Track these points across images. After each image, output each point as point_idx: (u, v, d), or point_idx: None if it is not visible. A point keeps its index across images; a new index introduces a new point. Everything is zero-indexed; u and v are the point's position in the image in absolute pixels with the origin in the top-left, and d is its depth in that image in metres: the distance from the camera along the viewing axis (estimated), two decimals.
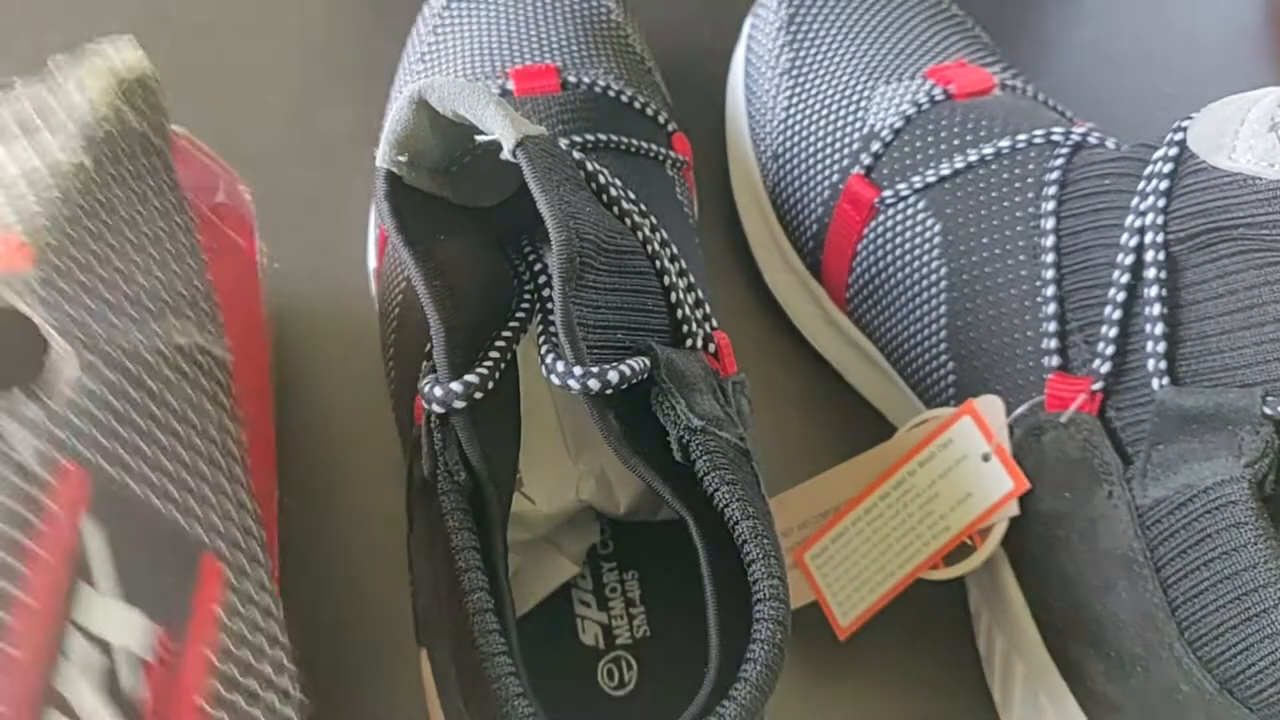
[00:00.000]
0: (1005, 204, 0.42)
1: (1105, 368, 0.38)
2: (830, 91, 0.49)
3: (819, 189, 0.48)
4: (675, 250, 0.37)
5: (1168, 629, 0.35)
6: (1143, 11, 0.64)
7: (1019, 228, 0.42)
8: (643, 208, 0.37)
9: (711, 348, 0.38)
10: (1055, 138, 0.42)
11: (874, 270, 0.46)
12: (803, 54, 0.51)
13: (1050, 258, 0.40)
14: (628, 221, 0.36)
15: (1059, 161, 0.41)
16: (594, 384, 0.32)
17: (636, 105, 0.48)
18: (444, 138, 0.33)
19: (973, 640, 0.46)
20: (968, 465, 0.41)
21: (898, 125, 0.46)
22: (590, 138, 0.45)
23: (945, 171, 0.44)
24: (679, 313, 0.36)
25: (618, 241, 0.34)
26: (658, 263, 0.36)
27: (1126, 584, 0.36)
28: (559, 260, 0.31)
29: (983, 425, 0.41)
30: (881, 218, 0.46)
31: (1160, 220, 0.36)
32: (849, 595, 0.42)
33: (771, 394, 0.52)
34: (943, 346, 0.44)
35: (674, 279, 0.36)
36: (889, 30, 0.51)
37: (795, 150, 0.49)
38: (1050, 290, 0.40)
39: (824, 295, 0.50)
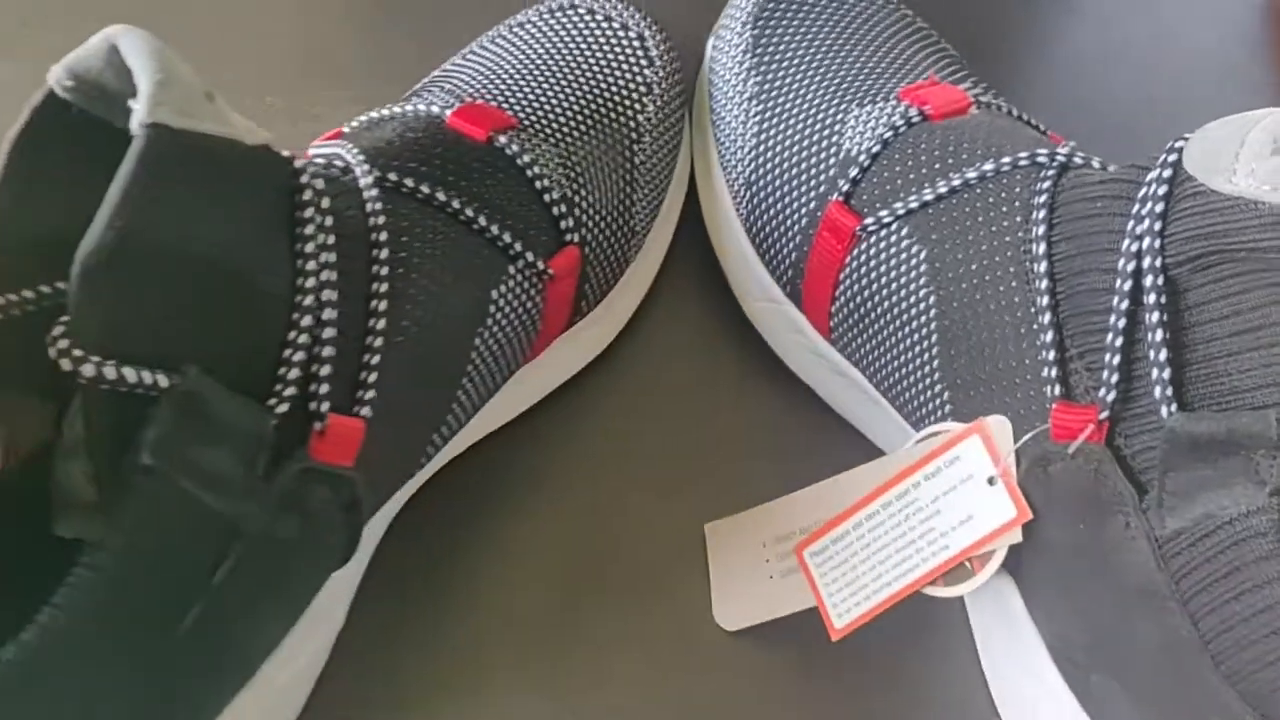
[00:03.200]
0: (993, 229, 0.42)
1: (1110, 396, 0.37)
2: (801, 116, 0.48)
3: (796, 216, 0.47)
4: (335, 316, 0.35)
5: (1201, 663, 0.34)
6: (1136, 12, 0.64)
7: (1009, 253, 0.41)
8: (331, 260, 0.35)
9: (318, 425, 0.36)
10: (1040, 159, 0.41)
11: (859, 299, 0.45)
12: (770, 78, 0.50)
13: (1044, 284, 0.39)
14: (310, 264, 0.34)
15: (1046, 184, 0.41)
16: (87, 369, 0.29)
17: (546, 198, 0.46)
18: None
19: (972, 643, 0.46)
20: (972, 486, 0.40)
21: (875, 149, 0.45)
22: (425, 187, 0.42)
23: (928, 197, 0.43)
24: (285, 371, 0.34)
25: (234, 263, 0.32)
26: (295, 314, 0.34)
27: (1152, 618, 0.36)
28: (86, 244, 0.28)
29: (991, 447, 0.40)
30: (864, 245, 0.45)
31: (1158, 244, 0.35)
32: (845, 599, 0.42)
33: (751, 423, 0.51)
34: (936, 376, 0.43)
35: (303, 337, 0.34)
36: (857, 49, 0.50)
37: (769, 178, 0.48)
38: (1046, 317, 0.39)
39: (805, 324, 0.49)
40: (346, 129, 0.47)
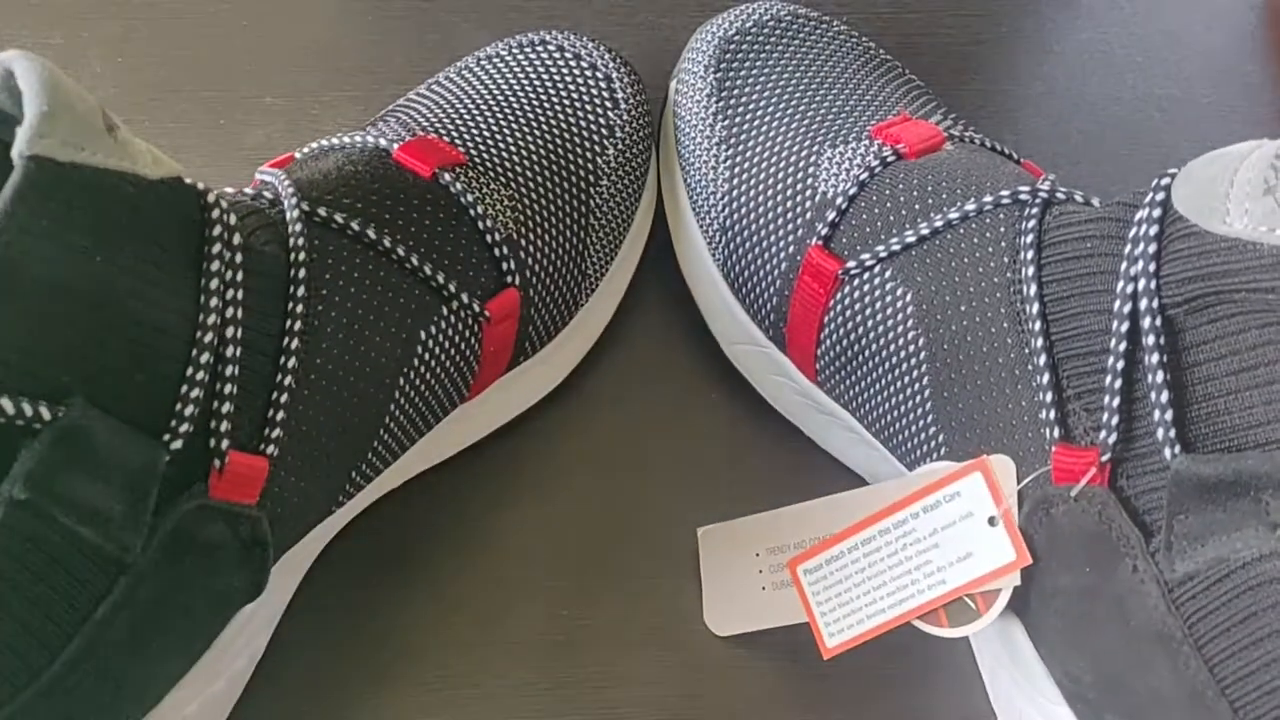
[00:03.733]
0: (980, 269, 0.41)
1: (1112, 438, 0.36)
2: (773, 159, 0.48)
3: (775, 261, 0.47)
4: (239, 352, 0.35)
5: (1219, 707, 0.34)
6: (1140, 12, 0.64)
7: (998, 294, 0.40)
8: (238, 296, 0.35)
9: (217, 463, 0.35)
10: (1022, 196, 0.41)
11: (845, 343, 0.45)
12: (738, 120, 0.49)
13: (1037, 325, 0.39)
14: (214, 299, 0.34)
15: (1031, 224, 0.40)
16: None
17: (488, 239, 0.45)
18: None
19: (970, 658, 0.47)
20: (972, 524, 0.40)
21: (852, 191, 0.44)
22: (356, 223, 0.41)
23: (910, 239, 0.42)
24: (182, 407, 0.34)
25: (123, 297, 0.31)
26: (194, 349, 0.34)
27: (1166, 663, 0.35)
28: None
29: (993, 486, 0.40)
30: (847, 289, 0.44)
31: (1153, 285, 0.35)
32: (838, 620, 0.43)
33: (732, 443, 0.52)
34: (930, 419, 0.43)
35: (201, 373, 0.34)
36: (824, 88, 0.49)
37: (744, 223, 0.48)
38: (1042, 359, 0.38)
39: (790, 366, 0.48)
40: (298, 154, 0.46)
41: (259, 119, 0.59)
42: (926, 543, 0.41)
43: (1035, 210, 0.40)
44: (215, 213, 0.34)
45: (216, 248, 0.34)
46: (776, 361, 0.49)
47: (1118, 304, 0.36)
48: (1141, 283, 0.35)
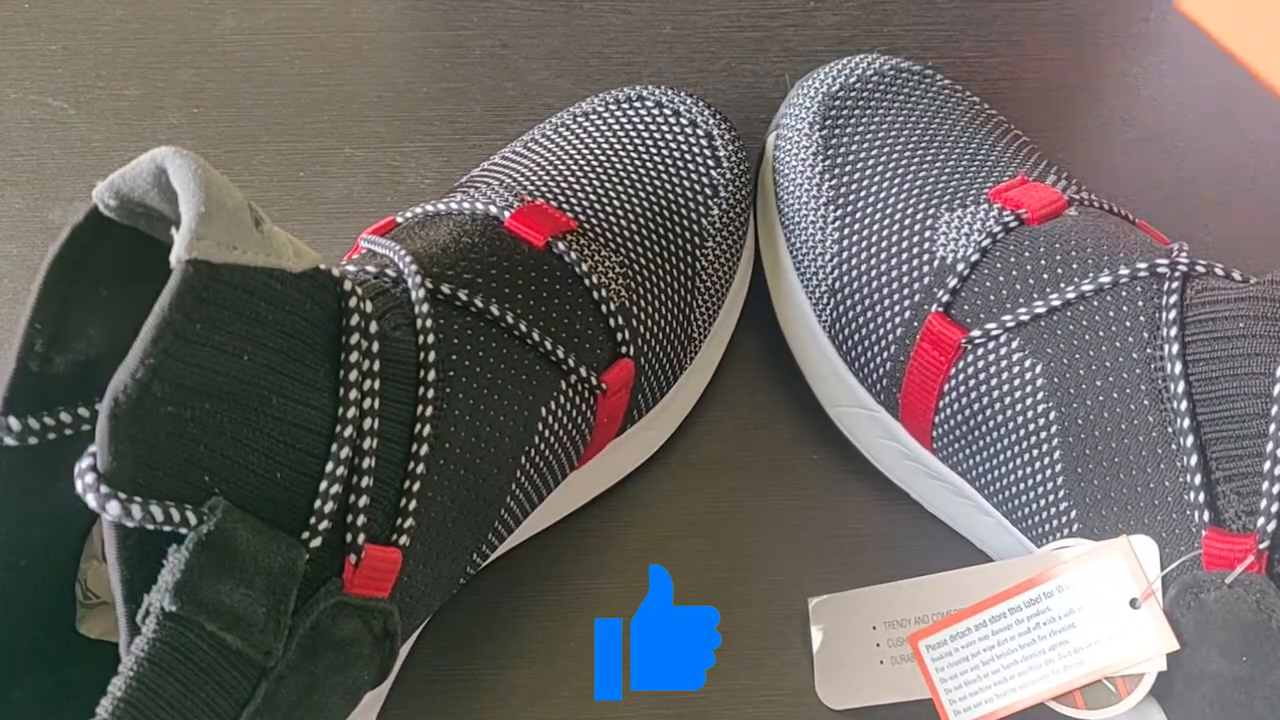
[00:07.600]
0: (1116, 344, 0.40)
1: (1271, 525, 0.35)
2: (886, 221, 0.47)
3: (889, 326, 0.46)
4: (375, 444, 0.34)
5: None
6: (1226, 55, 0.62)
7: (1137, 370, 0.39)
8: (374, 387, 0.34)
9: (354, 559, 0.34)
10: (1160, 269, 0.40)
11: (967, 412, 0.44)
12: (846, 180, 0.48)
13: (1183, 405, 0.38)
14: (352, 392, 0.33)
15: (1173, 299, 0.39)
16: (113, 507, 0.28)
17: (603, 309, 0.44)
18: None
19: None
20: (1112, 605, 0.39)
21: (974, 258, 0.44)
22: (479, 300, 0.41)
23: (1040, 309, 0.41)
24: (321, 504, 0.33)
25: (270, 398, 0.31)
26: (334, 444, 0.33)
27: None
28: (116, 381, 0.27)
29: (1135, 568, 0.39)
30: (971, 358, 0.43)
31: None
32: (964, 697, 0.42)
33: (841, 530, 0.50)
34: (1061, 493, 0.41)
35: (340, 469, 0.33)
36: (934, 147, 0.48)
37: (855, 286, 0.47)
38: (1189, 440, 0.37)
39: (901, 431, 0.48)
40: (400, 219, 0.45)
41: (339, 171, 0.58)
42: (1062, 622, 0.40)
43: (1175, 284, 0.39)
44: (353, 301, 0.34)
45: (355, 338, 0.34)
46: (885, 425, 0.48)
47: (1278, 389, 0.35)
48: None
